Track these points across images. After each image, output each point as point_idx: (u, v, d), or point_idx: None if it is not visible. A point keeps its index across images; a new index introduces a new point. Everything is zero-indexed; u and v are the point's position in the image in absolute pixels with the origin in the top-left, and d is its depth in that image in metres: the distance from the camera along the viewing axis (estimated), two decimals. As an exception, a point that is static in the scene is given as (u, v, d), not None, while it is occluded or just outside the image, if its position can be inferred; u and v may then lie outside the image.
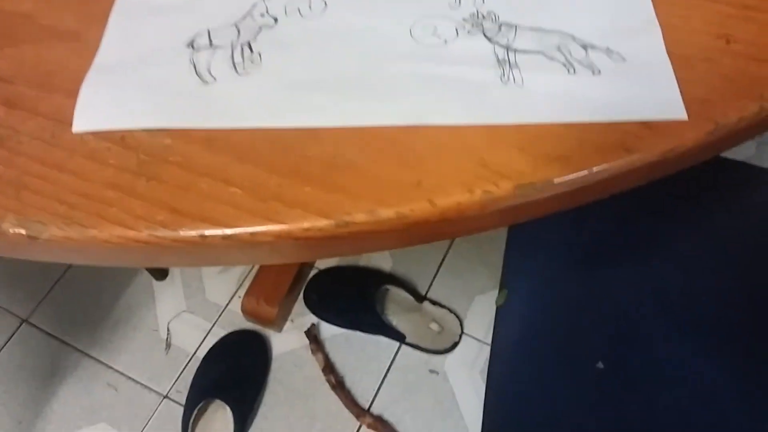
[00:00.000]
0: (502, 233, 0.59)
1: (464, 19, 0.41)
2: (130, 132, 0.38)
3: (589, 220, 0.58)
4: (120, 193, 0.35)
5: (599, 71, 0.38)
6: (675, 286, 0.56)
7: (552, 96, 0.37)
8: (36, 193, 0.36)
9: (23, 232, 0.35)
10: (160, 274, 1.05)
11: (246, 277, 1.04)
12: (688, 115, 0.36)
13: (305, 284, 1.00)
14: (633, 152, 0.35)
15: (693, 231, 0.58)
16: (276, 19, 0.42)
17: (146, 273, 1.05)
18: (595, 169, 0.34)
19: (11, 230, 0.35)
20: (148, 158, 0.37)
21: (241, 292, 1.00)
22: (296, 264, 0.98)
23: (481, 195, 0.34)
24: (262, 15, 0.42)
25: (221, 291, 1.03)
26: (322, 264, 1.03)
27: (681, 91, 0.37)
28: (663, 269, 0.56)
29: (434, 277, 0.99)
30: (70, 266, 1.08)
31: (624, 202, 0.57)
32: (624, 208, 0.58)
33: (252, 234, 0.34)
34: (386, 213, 0.34)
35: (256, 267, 1.05)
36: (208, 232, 0.34)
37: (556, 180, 0.34)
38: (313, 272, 1.01)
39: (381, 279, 0.98)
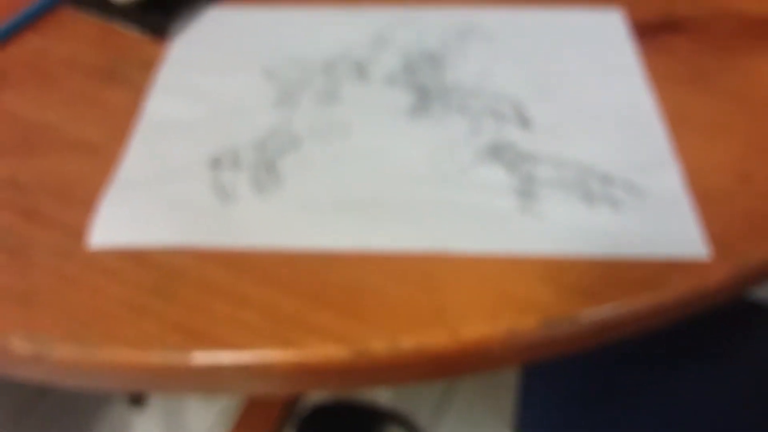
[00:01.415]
0: (512, 374, 0.58)
1: (483, 148, 0.42)
2: (148, 249, 0.37)
3: (608, 363, 0.56)
4: (134, 313, 0.34)
5: (619, 205, 0.38)
6: None
7: (572, 228, 0.37)
8: (47, 309, 0.35)
9: (29, 349, 0.33)
10: (137, 399, 1.01)
11: (231, 408, 0.99)
12: (712, 254, 0.35)
13: (298, 422, 0.95)
14: (658, 290, 0.34)
15: (716, 373, 0.57)
16: (299, 141, 0.42)
17: (121, 401, 1.00)
18: (621, 305, 0.34)
19: (18, 347, 0.34)
20: (165, 277, 0.36)
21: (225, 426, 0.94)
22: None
23: (506, 327, 0.33)
24: (286, 136, 0.43)
25: (203, 425, 0.98)
26: (316, 396, 0.98)
27: (703, 229, 0.37)
28: (684, 416, 0.54)
29: (438, 415, 0.95)
30: (43, 396, 1.02)
31: (644, 344, 0.56)
32: (643, 350, 0.57)
33: (265, 360, 0.33)
34: (406, 342, 0.33)
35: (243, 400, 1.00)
36: (221, 356, 0.33)
37: (583, 315, 0.33)
38: (305, 406, 0.96)
39: (380, 417, 0.93)
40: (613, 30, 0.49)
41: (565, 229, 0.37)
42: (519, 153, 0.41)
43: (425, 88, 0.46)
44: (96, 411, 0.99)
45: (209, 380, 0.34)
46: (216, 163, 0.41)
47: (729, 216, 0.37)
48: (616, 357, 0.56)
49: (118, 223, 0.38)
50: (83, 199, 0.40)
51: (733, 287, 0.35)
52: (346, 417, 0.94)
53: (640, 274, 0.35)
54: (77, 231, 0.38)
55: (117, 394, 0.99)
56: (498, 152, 0.41)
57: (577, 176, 0.40)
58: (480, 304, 0.34)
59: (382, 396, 0.97)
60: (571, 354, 0.35)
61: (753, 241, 0.36)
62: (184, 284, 0.36)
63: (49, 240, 0.38)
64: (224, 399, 1.01)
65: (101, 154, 0.43)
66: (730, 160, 0.40)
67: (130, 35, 0.51)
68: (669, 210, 0.38)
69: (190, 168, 0.41)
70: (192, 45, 0.50)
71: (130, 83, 0.48)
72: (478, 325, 0.33)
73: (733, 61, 0.46)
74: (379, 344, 0.33)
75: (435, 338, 0.33)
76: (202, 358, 0.33)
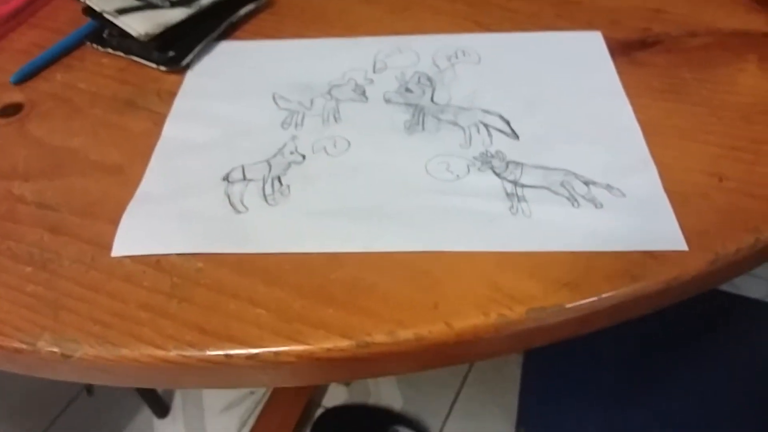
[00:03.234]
0: (516, 373, 0.58)
1: (474, 158, 0.44)
2: (165, 256, 0.39)
3: (604, 358, 0.57)
4: (152, 314, 0.36)
5: (601, 205, 0.40)
6: (693, 424, 0.54)
7: (559, 227, 0.39)
8: (72, 313, 0.37)
9: (57, 350, 0.35)
10: (161, 410, 1.02)
11: (250, 415, 1.00)
12: (689, 247, 0.37)
13: (312, 424, 0.96)
14: (638, 280, 0.35)
15: (711, 365, 0.57)
16: (304, 156, 0.45)
17: (146, 411, 1.02)
18: (603, 295, 0.35)
19: (46, 348, 0.35)
20: (181, 281, 0.38)
21: (245, 432, 0.96)
22: (302, 402, 0.95)
23: (496, 318, 0.34)
24: (292, 153, 0.45)
25: (224, 431, 0.99)
26: (329, 402, 0.99)
27: (680, 224, 0.38)
28: (681, 407, 0.55)
29: (446, 418, 0.95)
30: (69, 403, 1.04)
31: (637, 338, 0.57)
32: (637, 343, 0.58)
33: (275, 354, 0.34)
34: (405, 334, 0.34)
35: (261, 406, 1.01)
36: (233, 351, 0.35)
37: (567, 305, 0.35)
38: (319, 411, 0.98)
39: (390, 419, 0.94)
40: (593, 49, 0.51)
41: (551, 228, 0.39)
42: (508, 162, 0.43)
43: (420, 106, 0.48)
44: (120, 422, 1.00)
45: (224, 375, 0.36)
46: (227, 179, 0.43)
47: (704, 212, 0.39)
48: (613, 351, 0.57)
49: (138, 233, 0.40)
50: (106, 215, 0.42)
51: (709, 277, 0.36)
52: (358, 419, 0.95)
53: (620, 266, 0.36)
54: (100, 243, 0.40)
55: (139, 403, 0.99)
56: (488, 162, 0.43)
57: (561, 181, 0.41)
58: (472, 298, 0.35)
59: (394, 400, 0.97)
60: (558, 341, 0.36)
61: (727, 234, 0.37)
62: (198, 287, 0.37)
63: (74, 252, 0.40)
64: (243, 406, 1.02)
65: (123, 174, 0.45)
66: (705, 162, 0.42)
67: (149, 68, 0.54)
68: (648, 208, 0.39)
69: (204, 184, 0.43)
70: (205, 75, 0.53)
71: (149, 111, 0.50)
72: (470, 317, 0.35)
73: (707, 72, 0.48)
74: (380, 337, 0.34)
75: (431, 330, 0.34)
76: (217, 354, 0.35)
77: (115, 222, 0.41)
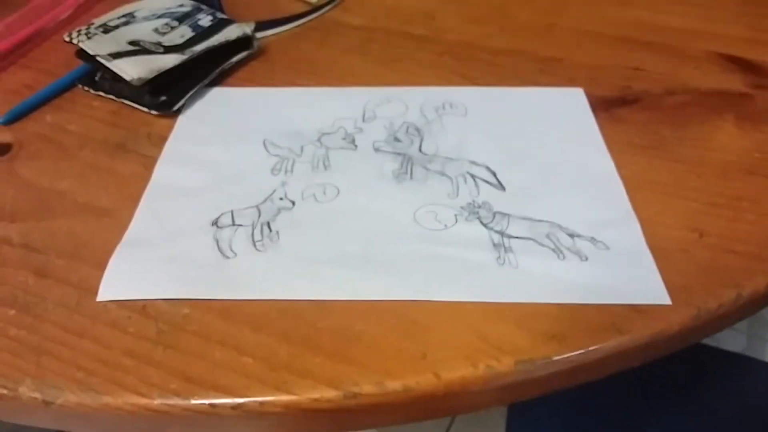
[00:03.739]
0: (500, 423, 0.58)
1: (462, 207, 0.44)
2: (152, 302, 0.38)
3: (589, 410, 0.57)
4: (137, 361, 0.35)
5: (586, 258, 0.40)
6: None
7: (545, 278, 0.39)
8: (55, 359, 0.36)
9: (39, 396, 0.34)
10: None
11: None
12: (672, 301, 0.37)
13: None
14: (624, 333, 0.36)
15: (693, 418, 0.57)
16: (293, 203, 0.45)
17: None
18: (590, 348, 0.35)
19: (27, 394, 0.34)
20: (167, 327, 0.37)
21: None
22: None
23: (484, 369, 0.34)
24: (281, 199, 0.45)
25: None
26: None
27: (663, 279, 0.38)
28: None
29: None
30: None
31: (624, 388, 0.57)
32: (621, 395, 0.58)
33: (261, 404, 0.34)
34: (393, 385, 0.34)
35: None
36: (218, 401, 0.34)
37: (555, 357, 0.35)
38: None
39: None
40: (575, 104, 0.53)
41: (537, 279, 0.39)
42: (495, 212, 0.43)
43: (408, 155, 0.49)
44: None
45: (208, 425, 0.35)
46: (216, 224, 0.43)
47: (686, 267, 0.39)
48: (597, 402, 0.57)
49: (125, 278, 0.40)
50: (92, 258, 0.41)
51: (692, 331, 0.37)
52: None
53: (606, 319, 0.36)
54: (86, 287, 0.40)
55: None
56: (475, 212, 0.43)
57: (547, 233, 0.42)
58: (460, 348, 0.35)
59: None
60: (546, 394, 0.36)
61: (709, 289, 0.38)
62: (184, 333, 0.37)
63: (59, 295, 0.39)
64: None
65: (111, 217, 0.45)
66: (685, 218, 0.42)
67: (140, 112, 0.54)
68: (632, 262, 0.40)
69: (192, 228, 0.43)
70: (196, 120, 0.53)
71: (139, 154, 0.50)
72: (459, 368, 0.34)
73: (686, 130, 0.50)
74: (367, 387, 0.34)
75: (419, 381, 0.34)
76: (201, 403, 0.34)
77: (101, 266, 0.41)
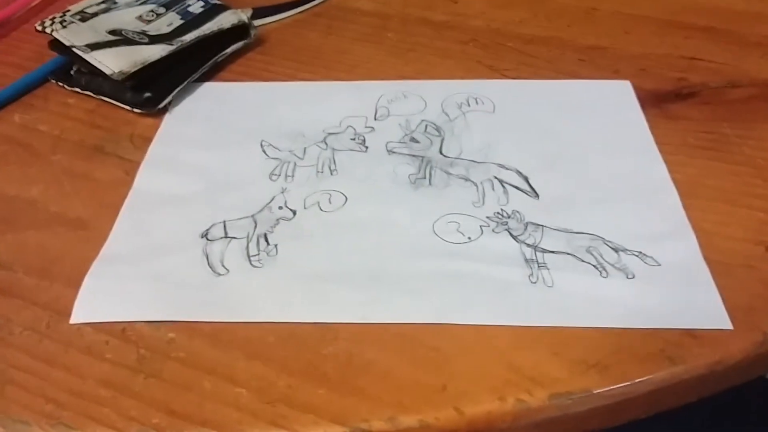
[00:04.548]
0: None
1: (488, 218, 0.44)
2: (132, 324, 0.39)
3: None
4: (114, 392, 0.36)
5: (633, 275, 0.40)
6: None
7: (585, 299, 0.39)
8: (22, 389, 0.36)
9: None
10: None
11: None
12: (733, 325, 0.37)
13: None
14: (677, 363, 0.36)
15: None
16: (294, 212, 0.45)
17: None
18: (637, 380, 0.35)
19: (-11, 430, 0.35)
20: (149, 353, 0.38)
21: None
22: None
23: (514, 404, 0.34)
24: (281, 207, 0.45)
25: None
26: None
27: (723, 299, 0.38)
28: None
29: None
30: None
31: (674, 428, 0.57)
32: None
33: (255, 443, 0.34)
34: (408, 421, 0.34)
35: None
36: (206, 438, 0.34)
37: (596, 390, 0.35)
38: None
39: None
40: (620, 99, 0.53)
41: (576, 300, 0.39)
42: (527, 223, 0.44)
43: (426, 158, 0.49)
44: None
45: (193, 466, 0.35)
46: (206, 236, 0.44)
47: (750, 285, 0.39)
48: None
49: (101, 298, 0.40)
50: (65, 275, 0.42)
51: (756, 360, 0.37)
52: None
53: (656, 346, 0.36)
54: (58, 308, 0.40)
55: None
56: (504, 222, 0.44)
57: (588, 246, 0.42)
58: (486, 380, 0.35)
59: None
60: (585, 432, 0.36)
61: (777, 312, 0.38)
62: (169, 360, 0.37)
63: (27, 318, 0.40)
64: None
65: (87, 230, 0.45)
66: (750, 229, 0.42)
67: (121, 110, 0.55)
68: (686, 280, 0.40)
69: (178, 242, 0.44)
70: (185, 119, 0.54)
71: (120, 158, 0.51)
72: (484, 402, 0.35)
73: (750, 128, 0.50)
74: (378, 424, 0.34)
75: (438, 416, 0.34)
76: (187, 441, 0.34)
77: (75, 284, 0.41)
